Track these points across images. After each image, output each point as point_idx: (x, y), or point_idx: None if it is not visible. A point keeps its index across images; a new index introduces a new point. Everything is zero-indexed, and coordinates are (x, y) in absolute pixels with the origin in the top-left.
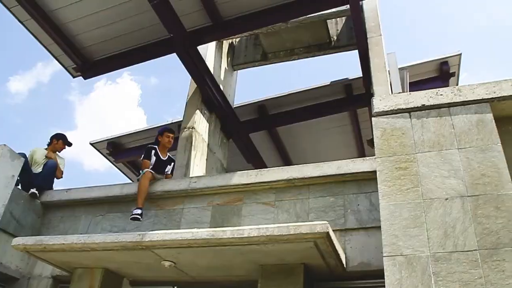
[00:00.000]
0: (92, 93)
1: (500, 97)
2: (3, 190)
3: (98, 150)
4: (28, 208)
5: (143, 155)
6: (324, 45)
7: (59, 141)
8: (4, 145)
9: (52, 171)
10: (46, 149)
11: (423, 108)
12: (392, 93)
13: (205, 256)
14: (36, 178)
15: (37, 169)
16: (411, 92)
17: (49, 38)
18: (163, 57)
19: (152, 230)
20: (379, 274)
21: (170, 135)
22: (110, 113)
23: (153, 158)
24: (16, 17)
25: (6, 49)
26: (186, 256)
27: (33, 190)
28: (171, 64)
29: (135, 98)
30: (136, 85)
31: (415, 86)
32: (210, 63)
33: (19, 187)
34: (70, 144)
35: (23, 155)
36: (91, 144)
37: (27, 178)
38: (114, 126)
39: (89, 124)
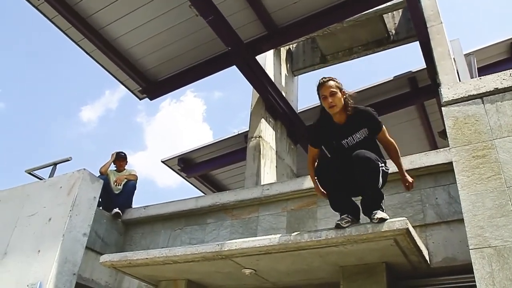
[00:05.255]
0: (158, 114)
1: None
2: (87, 211)
3: (170, 167)
4: (111, 227)
5: None
6: (382, 41)
7: (115, 161)
8: (84, 169)
9: (132, 191)
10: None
11: (496, 91)
12: (460, 80)
13: (284, 262)
14: (117, 198)
15: (117, 189)
16: (480, 77)
17: (114, 65)
18: (223, 70)
19: (230, 240)
20: (467, 268)
21: None
22: (177, 130)
23: None
24: (83, 49)
25: (76, 83)
26: (266, 263)
27: (116, 210)
28: (232, 77)
29: (200, 113)
30: (199, 101)
31: (484, 70)
32: (270, 71)
33: (100, 207)
34: (120, 156)
35: (103, 178)
36: (163, 161)
37: (108, 198)
38: (183, 142)
39: (158, 143)
